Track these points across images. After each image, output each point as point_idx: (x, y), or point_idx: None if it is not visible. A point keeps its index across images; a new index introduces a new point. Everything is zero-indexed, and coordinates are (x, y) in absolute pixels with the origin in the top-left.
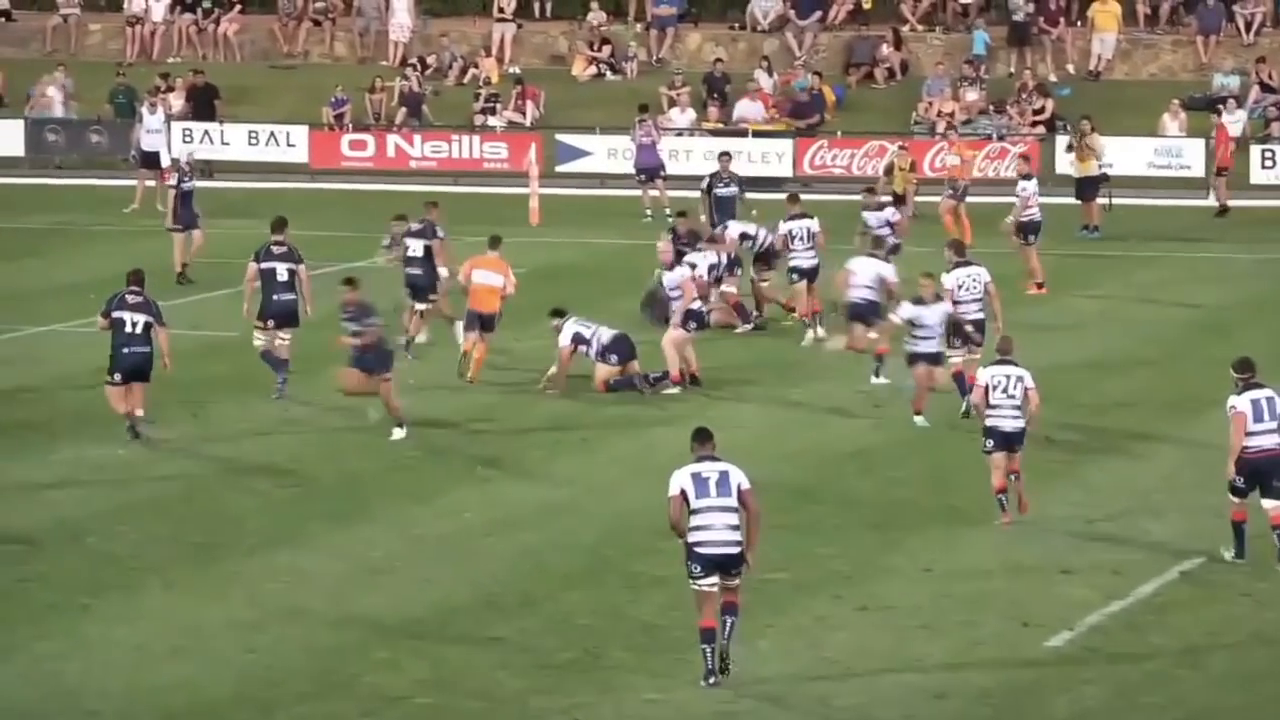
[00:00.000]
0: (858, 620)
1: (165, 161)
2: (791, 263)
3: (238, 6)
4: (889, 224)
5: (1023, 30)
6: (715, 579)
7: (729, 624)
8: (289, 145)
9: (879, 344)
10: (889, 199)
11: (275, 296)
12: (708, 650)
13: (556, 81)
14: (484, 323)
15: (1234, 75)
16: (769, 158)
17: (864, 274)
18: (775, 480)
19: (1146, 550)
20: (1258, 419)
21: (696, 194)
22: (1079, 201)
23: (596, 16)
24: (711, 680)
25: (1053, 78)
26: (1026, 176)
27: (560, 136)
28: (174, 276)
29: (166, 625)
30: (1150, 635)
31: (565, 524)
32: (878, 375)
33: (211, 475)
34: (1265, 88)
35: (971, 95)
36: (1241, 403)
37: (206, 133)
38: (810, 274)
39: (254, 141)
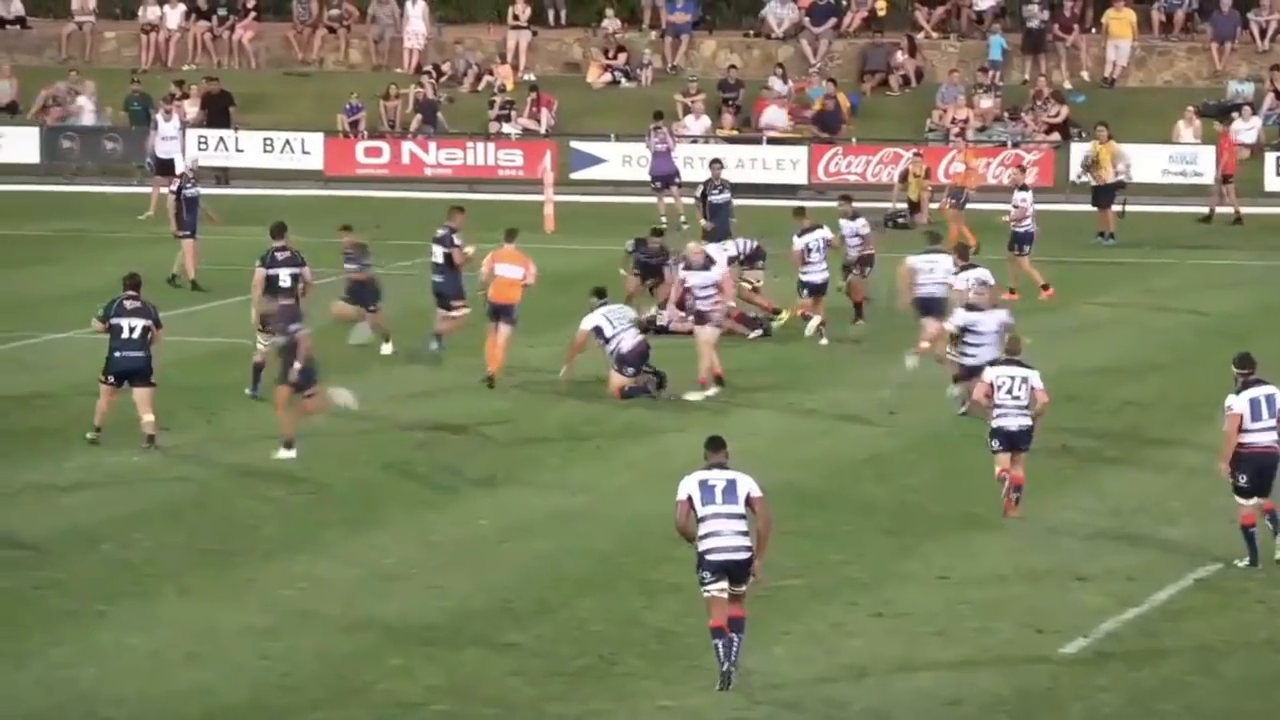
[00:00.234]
0: (873, 626)
1: (180, 168)
2: (804, 277)
3: (253, 13)
4: (859, 235)
5: (1037, 37)
6: (725, 584)
7: (735, 642)
8: (304, 152)
9: (923, 346)
10: (864, 207)
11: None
12: (720, 645)
13: (571, 89)
14: (503, 313)
15: (1249, 82)
16: (784, 165)
17: (929, 270)
18: (789, 487)
19: (1161, 556)
20: (1255, 417)
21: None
22: (1095, 209)
23: (611, 24)
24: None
25: (1067, 85)
26: (1023, 187)
27: (575, 143)
28: (188, 283)
29: (181, 632)
30: (1165, 641)
31: (580, 530)
32: (955, 384)
33: (225, 481)
34: None
35: (986, 102)
36: (1239, 403)
37: (221, 140)
38: (820, 289)
39: (269, 148)
